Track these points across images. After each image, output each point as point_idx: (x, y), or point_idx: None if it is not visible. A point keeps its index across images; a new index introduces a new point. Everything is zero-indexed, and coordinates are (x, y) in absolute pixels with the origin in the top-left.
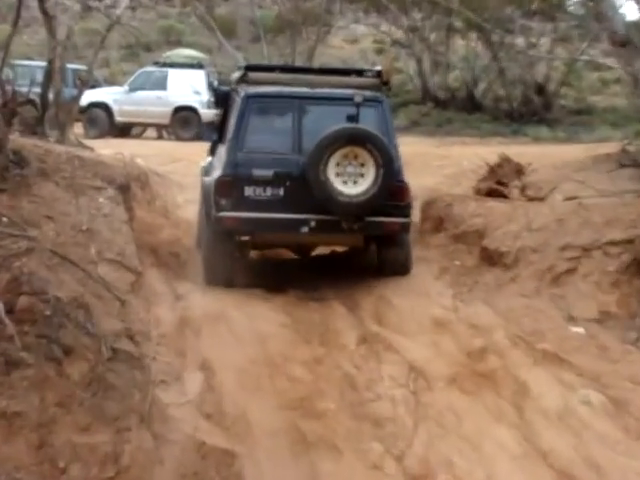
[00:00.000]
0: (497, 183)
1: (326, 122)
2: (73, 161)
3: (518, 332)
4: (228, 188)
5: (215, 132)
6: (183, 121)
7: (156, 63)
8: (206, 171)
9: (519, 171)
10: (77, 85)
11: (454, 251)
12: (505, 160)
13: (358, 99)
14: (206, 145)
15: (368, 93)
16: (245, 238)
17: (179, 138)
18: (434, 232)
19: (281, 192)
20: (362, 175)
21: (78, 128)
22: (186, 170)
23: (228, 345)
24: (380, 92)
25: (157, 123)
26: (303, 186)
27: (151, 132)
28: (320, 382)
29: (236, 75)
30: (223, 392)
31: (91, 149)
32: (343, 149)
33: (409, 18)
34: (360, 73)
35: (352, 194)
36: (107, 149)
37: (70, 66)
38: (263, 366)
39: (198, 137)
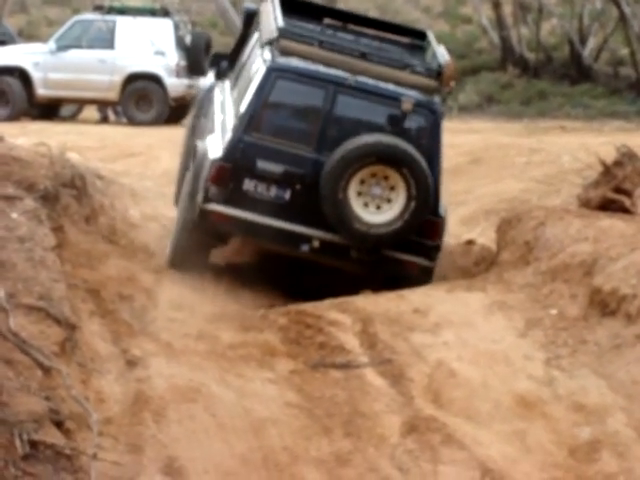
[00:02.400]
0: (615, 191)
1: (362, 122)
2: None
3: None
4: (224, 177)
5: (226, 59)
6: (139, 96)
7: (98, 8)
8: (200, 107)
9: None
10: None
11: (549, 294)
12: (628, 156)
13: (407, 106)
14: (176, 131)
15: (421, 97)
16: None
17: (133, 121)
18: (518, 265)
19: (287, 195)
20: (389, 201)
21: None
22: (144, 169)
23: (206, 436)
24: (436, 97)
25: (100, 99)
26: (315, 194)
27: (91, 112)
28: None
29: (266, 37)
30: None
31: None
32: (372, 167)
33: None
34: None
35: (371, 222)
36: (24, 138)
37: None
38: (260, 469)
39: (162, 119)
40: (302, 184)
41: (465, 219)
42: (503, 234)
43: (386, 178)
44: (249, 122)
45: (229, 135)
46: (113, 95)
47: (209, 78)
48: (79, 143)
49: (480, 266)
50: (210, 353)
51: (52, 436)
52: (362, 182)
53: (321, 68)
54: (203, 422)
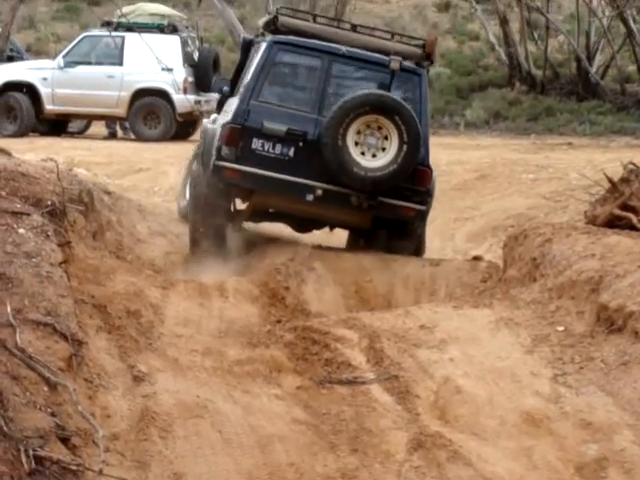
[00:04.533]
0: (622, 208)
1: (355, 85)
2: None
3: None
4: (235, 137)
5: (227, 85)
6: (147, 111)
7: (107, 24)
8: (206, 131)
9: None
10: None
11: (555, 310)
12: (635, 173)
13: (394, 66)
14: (183, 147)
15: (407, 63)
16: (241, 207)
17: (141, 137)
18: (525, 281)
19: (291, 152)
20: (384, 149)
21: None
22: (151, 185)
23: (213, 453)
24: (420, 64)
25: (108, 114)
26: (316, 150)
27: (99, 128)
28: None
29: (264, 20)
30: None
31: (7, 154)
32: (368, 116)
33: None
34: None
35: (368, 167)
36: (32, 154)
37: None
38: None
39: (170, 135)
40: (304, 141)
41: (472, 235)
42: (510, 250)
43: (380, 128)
44: (254, 88)
45: (236, 105)
46: (121, 111)
47: (213, 115)
48: (87, 159)
49: (487, 282)
50: (216, 369)
51: (58, 452)
52: (358, 132)
53: (317, 41)
54: (209, 438)
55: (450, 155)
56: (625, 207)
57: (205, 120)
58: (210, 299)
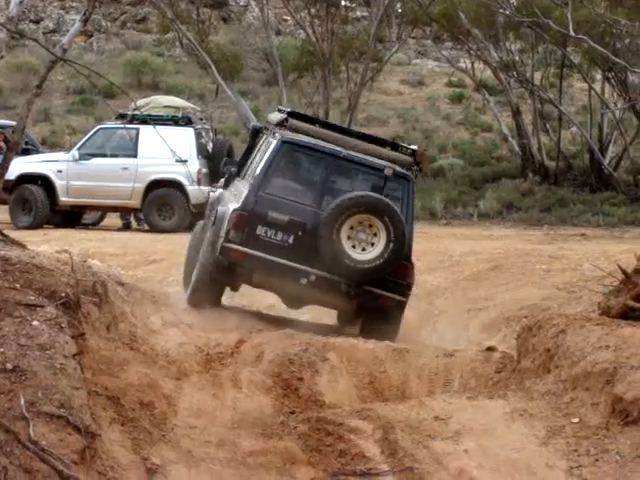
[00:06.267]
0: (636, 299)
1: (352, 185)
2: None
3: None
4: (242, 223)
5: (234, 167)
6: (161, 203)
7: (121, 117)
8: (212, 205)
9: None
10: (0, 149)
11: (570, 402)
12: None
13: (388, 172)
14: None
15: (399, 169)
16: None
17: (155, 228)
18: (539, 372)
19: (291, 239)
20: (372, 244)
21: (2, 213)
22: (165, 276)
23: None
24: (411, 171)
25: (122, 206)
26: (313, 239)
27: (113, 219)
28: None
29: (275, 116)
30: None
31: (22, 246)
32: (361, 215)
33: (501, 49)
34: (396, 147)
35: (357, 259)
36: (46, 245)
37: None
38: None
39: (184, 226)
40: (303, 231)
41: (486, 326)
42: (524, 341)
43: (370, 226)
44: (263, 181)
45: (246, 192)
46: (135, 202)
47: (219, 188)
48: (101, 250)
49: (501, 373)
50: (230, 461)
51: None
52: (351, 228)
53: (321, 143)
54: None
55: (463, 246)
56: (639, 298)
57: (212, 193)
58: (223, 390)
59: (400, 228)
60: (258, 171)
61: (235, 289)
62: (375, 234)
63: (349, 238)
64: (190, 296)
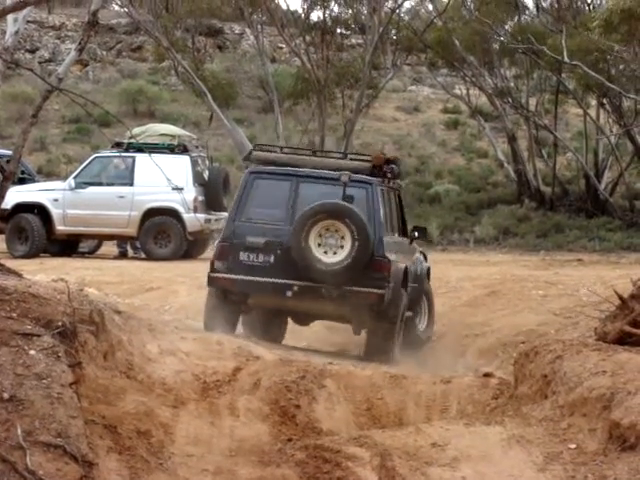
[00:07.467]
0: (633, 324)
1: (318, 198)
2: None
3: None
4: (225, 252)
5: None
6: (158, 231)
7: (117, 145)
8: None
9: None
10: None
11: (567, 428)
12: None
13: (344, 179)
14: (194, 266)
15: (358, 175)
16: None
17: (151, 256)
18: (536, 398)
19: (271, 259)
20: (342, 247)
21: None
22: (162, 304)
23: None
24: (373, 176)
25: (119, 234)
26: (290, 254)
27: (110, 247)
28: None
29: (244, 154)
30: None
31: (18, 275)
32: (325, 221)
33: (496, 76)
34: (355, 157)
35: (328, 262)
36: (43, 274)
37: None
38: None
39: (180, 254)
40: (281, 249)
41: (483, 351)
42: (521, 367)
43: (337, 231)
44: (237, 211)
45: (225, 223)
46: (132, 230)
47: None
48: (98, 278)
49: (498, 399)
50: None
51: None
52: (320, 235)
53: (283, 168)
54: None
55: (460, 271)
56: (635, 324)
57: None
58: (221, 418)
59: (362, 227)
60: (232, 203)
61: (245, 312)
62: (342, 237)
63: (319, 245)
64: (204, 322)
